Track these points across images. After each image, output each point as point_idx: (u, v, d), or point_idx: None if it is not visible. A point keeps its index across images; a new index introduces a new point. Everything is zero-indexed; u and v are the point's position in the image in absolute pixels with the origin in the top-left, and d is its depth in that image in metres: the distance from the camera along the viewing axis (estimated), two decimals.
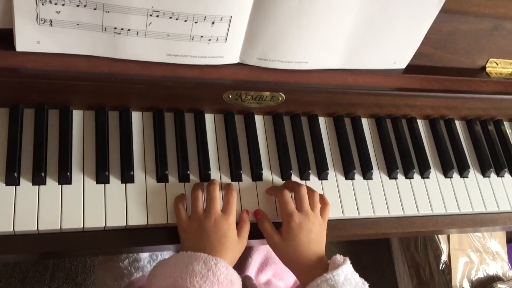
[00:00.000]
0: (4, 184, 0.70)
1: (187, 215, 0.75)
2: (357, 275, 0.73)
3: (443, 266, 1.43)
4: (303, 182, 0.86)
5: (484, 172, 0.98)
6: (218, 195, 0.76)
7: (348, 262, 0.73)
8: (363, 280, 0.73)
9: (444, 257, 1.43)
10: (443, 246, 1.43)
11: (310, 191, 0.80)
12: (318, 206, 0.80)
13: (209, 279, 0.65)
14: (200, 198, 0.76)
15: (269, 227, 0.78)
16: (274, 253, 0.79)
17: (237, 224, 0.76)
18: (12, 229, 0.68)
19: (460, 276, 1.41)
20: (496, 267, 1.45)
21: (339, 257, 0.73)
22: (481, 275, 1.43)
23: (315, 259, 0.75)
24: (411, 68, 0.90)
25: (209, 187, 0.77)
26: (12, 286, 1.42)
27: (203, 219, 0.73)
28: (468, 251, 1.44)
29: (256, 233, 0.78)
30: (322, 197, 0.82)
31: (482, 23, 0.88)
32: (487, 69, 0.96)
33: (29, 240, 0.70)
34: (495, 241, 1.48)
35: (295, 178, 0.86)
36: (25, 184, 0.71)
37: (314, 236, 0.76)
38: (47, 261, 1.46)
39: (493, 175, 0.98)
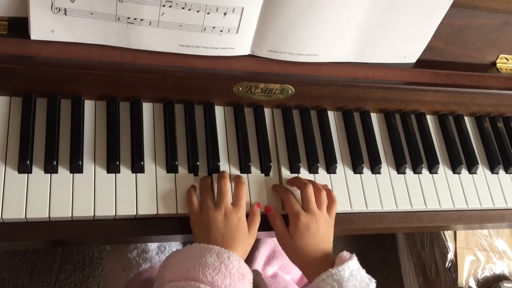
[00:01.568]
0: (17, 172, 0.71)
1: (199, 208, 0.75)
2: (363, 271, 0.73)
3: (449, 265, 1.42)
4: (311, 175, 0.86)
5: (493, 169, 0.97)
6: (229, 188, 0.77)
7: (355, 258, 0.73)
8: (370, 276, 0.73)
9: (450, 255, 1.43)
10: (450, 244, 1.43)
11: (317, 189, 0.79)
12: (325, 204, 0.79)
13: (221, 272, 0.65)
14: (209, 191, 0.77)
15: (281, 225, 0.78)
16: (282, 249, 0.79)
17: (247, 216, 0.77)
18: (24, 216, 0.69)
19: (466, 274, 1.41)
20: (502, 266, 1.44)
21: (345, 253, 0.73)
22: (487, 274, 1.42)
23: (322, 256, 0.75)
24: (421, 63, 0.90)
25: (220, 180, 0.77)
26: (20, 277, 1.43)
27: (214, 212, 0.73)
28: (475, 249, 1.43)
29: (264, 225, 0.78)
30: (330, 193, 0.81)
31: (493, 18, 0.88)
32: (497, 64, 0.96)
33: (40, 228, 0.71)
34: (502, 240, 1.47)
35: (303, 171, 0.86)
36: (37, 172, 0.72)
37: (321, 235, 0.77)
38: (55, 252, 1.47)
39: (501, 172, 0.98)
